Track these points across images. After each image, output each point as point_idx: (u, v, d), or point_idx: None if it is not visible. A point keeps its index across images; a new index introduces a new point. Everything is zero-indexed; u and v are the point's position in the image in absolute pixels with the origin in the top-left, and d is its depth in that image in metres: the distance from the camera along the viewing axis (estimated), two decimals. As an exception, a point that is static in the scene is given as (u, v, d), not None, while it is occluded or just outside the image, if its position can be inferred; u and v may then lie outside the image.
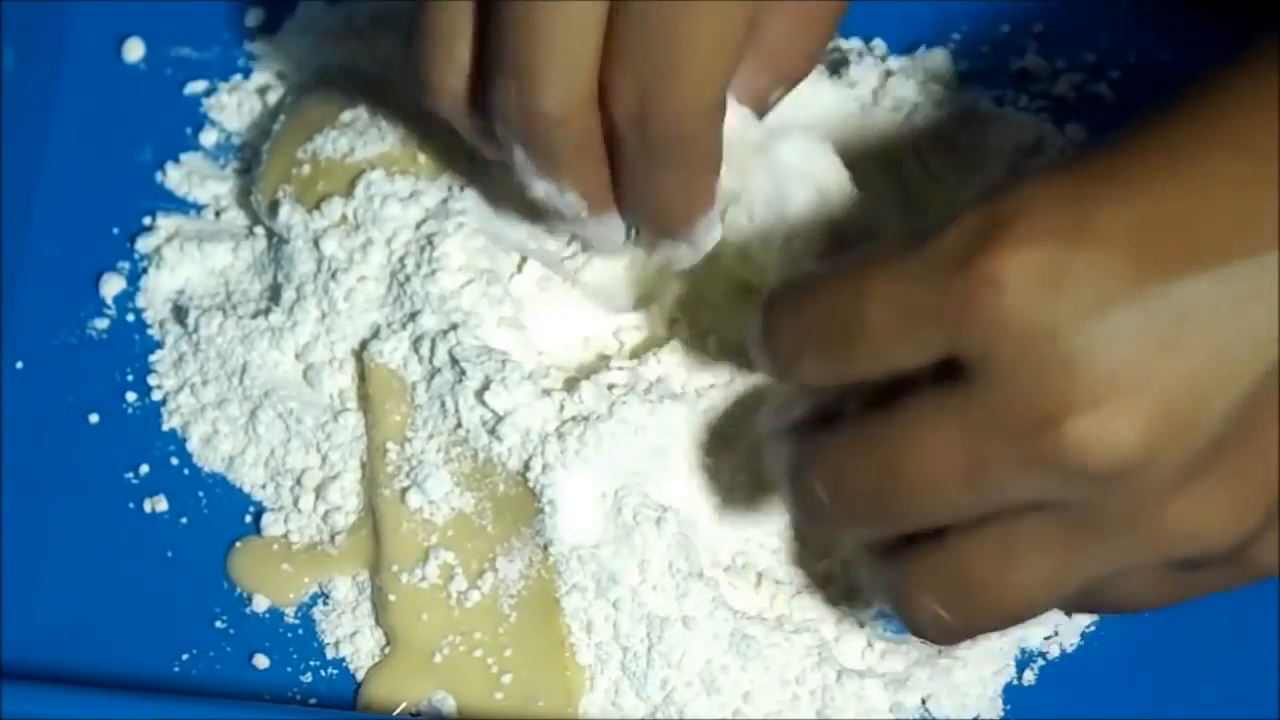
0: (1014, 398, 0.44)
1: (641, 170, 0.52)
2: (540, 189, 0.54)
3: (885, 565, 0.49)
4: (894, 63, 0.65)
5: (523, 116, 0.51)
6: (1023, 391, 0.43)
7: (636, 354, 0.58)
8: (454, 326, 0.57)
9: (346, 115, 0.62)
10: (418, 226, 0.59)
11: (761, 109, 0.55)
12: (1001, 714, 0.56)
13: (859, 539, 0.50)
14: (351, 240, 0.59)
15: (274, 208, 0.61)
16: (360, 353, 0.59)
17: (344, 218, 0.60)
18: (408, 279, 0.59)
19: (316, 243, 0.60)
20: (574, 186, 0.53)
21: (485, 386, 0.56)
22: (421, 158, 0.60)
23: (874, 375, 0.46)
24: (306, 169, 0.61)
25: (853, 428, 0.47)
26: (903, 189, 0.61)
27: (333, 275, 0.59)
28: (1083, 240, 0.43)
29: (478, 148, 0.55)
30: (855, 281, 0.46)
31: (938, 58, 0.65)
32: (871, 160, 0.60)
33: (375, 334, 0.59)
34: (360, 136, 0.61)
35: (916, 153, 0.62)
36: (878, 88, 0.63)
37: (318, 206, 0.60)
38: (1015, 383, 0.43)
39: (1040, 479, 0.44)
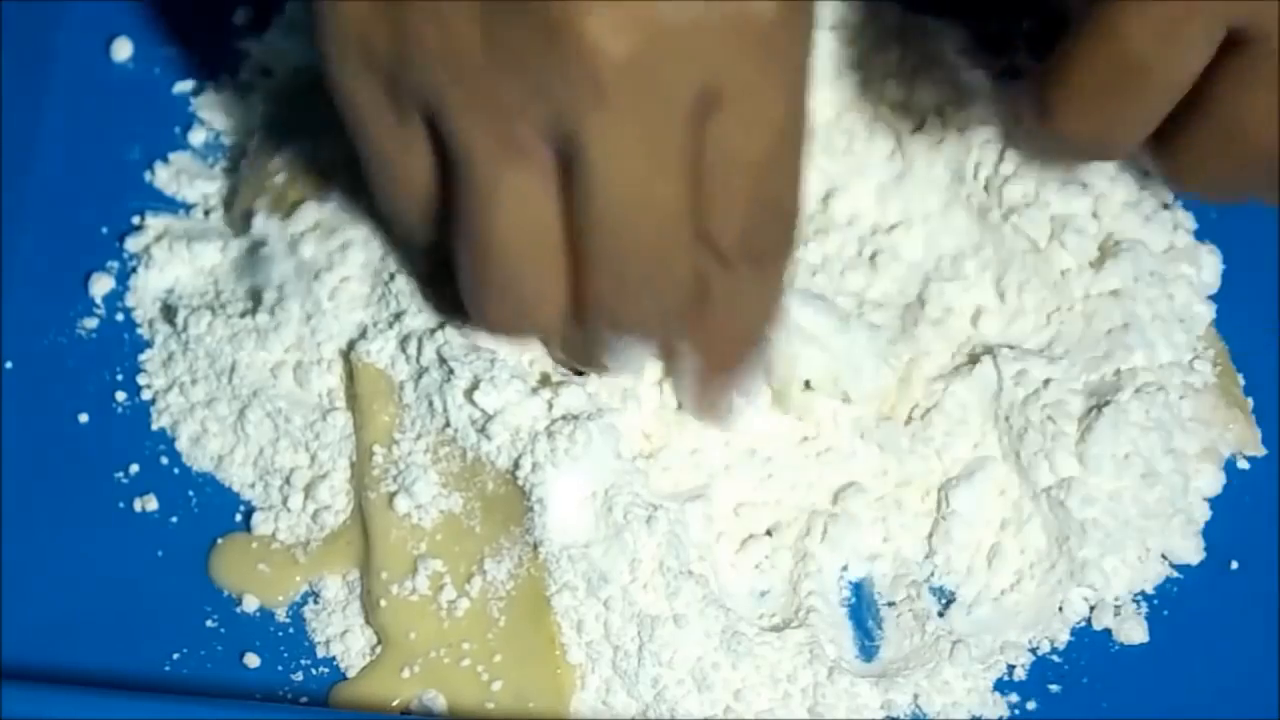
0: None
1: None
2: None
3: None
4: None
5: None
6: None
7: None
8: (441, 325, 0.58)
9: (312, 117, 0.62)
10: None
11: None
12: (994, 712, 0.56)
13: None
14: (329, 243, 0.60)
15: (247, 219, 0.61)
16: (348, 352, 0.59)
17: (318, 223, 0.60)
18: (391, 277, 0.59)
19: (293, 248, 0.60)
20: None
21: (474, 385, 0.56)
22: None
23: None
24: (280, 179, 0.62)
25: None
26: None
27: (315, 276, 0.59)
28: None
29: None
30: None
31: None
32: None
33: (362, 334, 0.59)
34: (328, 140, 0.61)
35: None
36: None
37: (291, 214, 0.60)
38: None
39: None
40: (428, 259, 0.57)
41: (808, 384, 0.58)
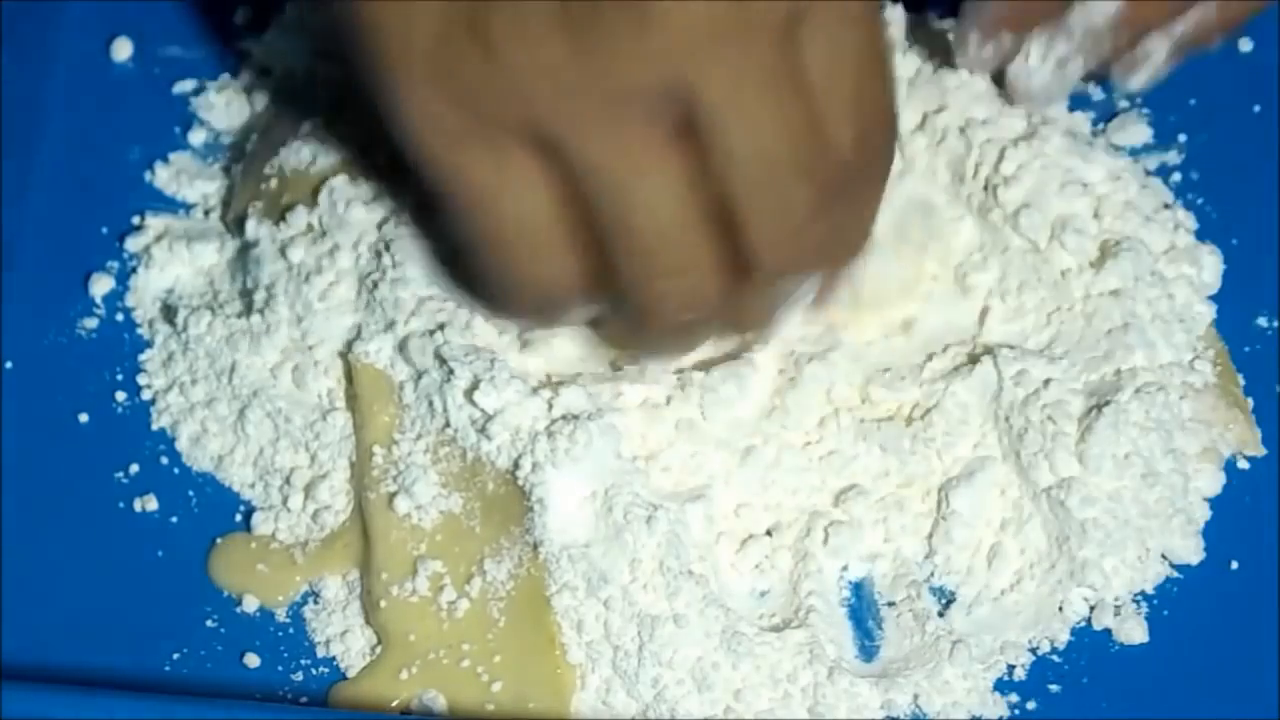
0: None
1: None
2: None
3: None
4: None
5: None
6: None
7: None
8: (441, 326, 0.58)
9: (306, 125, 0.62)
10: (379, 227, 0.59)
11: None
12: (994, 712, 0.56)
13: None
14: (318, 246, 0.60)
15: (240, 222, 0.61)
16: (346, 353, 0.59)
17: (310, 227, 0.60)
18: (379, 282, 0.59)
19: (283, 251, 0.60)
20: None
21: (474, 385, 0.56)
22: (382, 161, 0.60)
23: None
24: (274, 183, 0.62)
25: None
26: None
27: (305, 279, 0.59)
28: None
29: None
30: None
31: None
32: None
33: (359, 334, 0.59)
34: (321, 145, 0.61)
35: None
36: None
37: (283, 218, 0.60)
38: None
39: None
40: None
41: None
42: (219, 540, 0.59)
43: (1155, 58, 0.61)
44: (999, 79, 0.62)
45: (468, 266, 0.55)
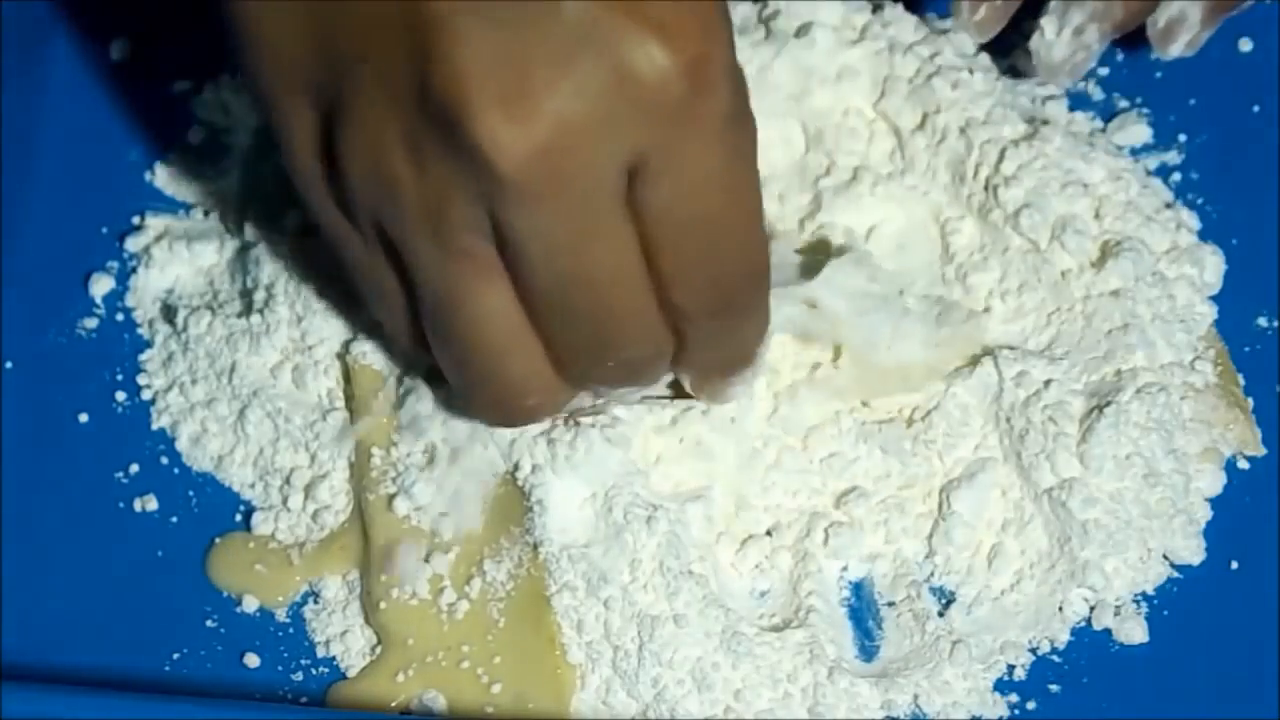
0: None
1: None
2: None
3: None
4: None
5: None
6: None
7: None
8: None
9: None
10: None
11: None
12: (994, 712, 0.56)
13: None
14: (319, 246, 0.60)
15: (240, 221, 0.61)
16: (344, 354, 0.59)
17: (309, 227, 0.60)
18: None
19: (284, 251, 0.60)
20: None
21: (474, 386, 0.56)
22: None
23: None
24: (273, 183, 0.62)
25: None
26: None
27: (305, 279, 0.59)
28: None
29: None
30: None
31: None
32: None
33: (357, 335, 0.59)
34: None
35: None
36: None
37: (283, 217, 0.60)
38: None
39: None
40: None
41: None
42: (218, 540, 0.59)
43: (1190, 22, 0.61)
44: (1012, 69, 0.63)
45: None
